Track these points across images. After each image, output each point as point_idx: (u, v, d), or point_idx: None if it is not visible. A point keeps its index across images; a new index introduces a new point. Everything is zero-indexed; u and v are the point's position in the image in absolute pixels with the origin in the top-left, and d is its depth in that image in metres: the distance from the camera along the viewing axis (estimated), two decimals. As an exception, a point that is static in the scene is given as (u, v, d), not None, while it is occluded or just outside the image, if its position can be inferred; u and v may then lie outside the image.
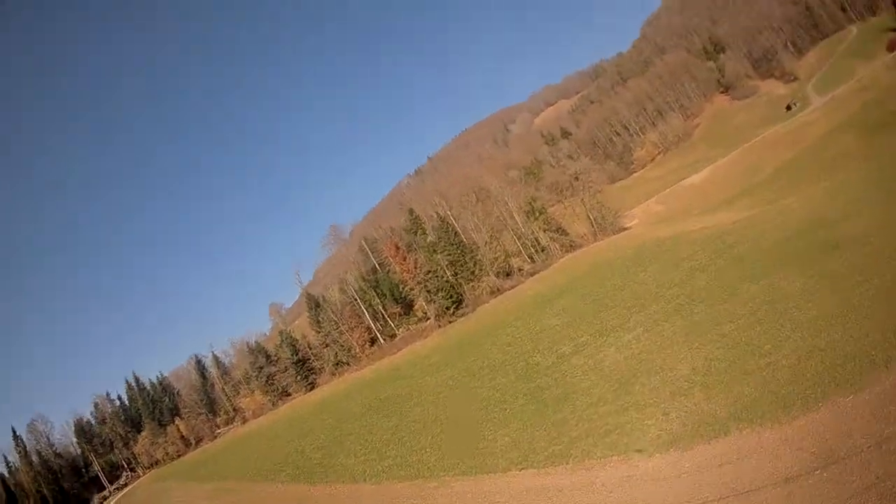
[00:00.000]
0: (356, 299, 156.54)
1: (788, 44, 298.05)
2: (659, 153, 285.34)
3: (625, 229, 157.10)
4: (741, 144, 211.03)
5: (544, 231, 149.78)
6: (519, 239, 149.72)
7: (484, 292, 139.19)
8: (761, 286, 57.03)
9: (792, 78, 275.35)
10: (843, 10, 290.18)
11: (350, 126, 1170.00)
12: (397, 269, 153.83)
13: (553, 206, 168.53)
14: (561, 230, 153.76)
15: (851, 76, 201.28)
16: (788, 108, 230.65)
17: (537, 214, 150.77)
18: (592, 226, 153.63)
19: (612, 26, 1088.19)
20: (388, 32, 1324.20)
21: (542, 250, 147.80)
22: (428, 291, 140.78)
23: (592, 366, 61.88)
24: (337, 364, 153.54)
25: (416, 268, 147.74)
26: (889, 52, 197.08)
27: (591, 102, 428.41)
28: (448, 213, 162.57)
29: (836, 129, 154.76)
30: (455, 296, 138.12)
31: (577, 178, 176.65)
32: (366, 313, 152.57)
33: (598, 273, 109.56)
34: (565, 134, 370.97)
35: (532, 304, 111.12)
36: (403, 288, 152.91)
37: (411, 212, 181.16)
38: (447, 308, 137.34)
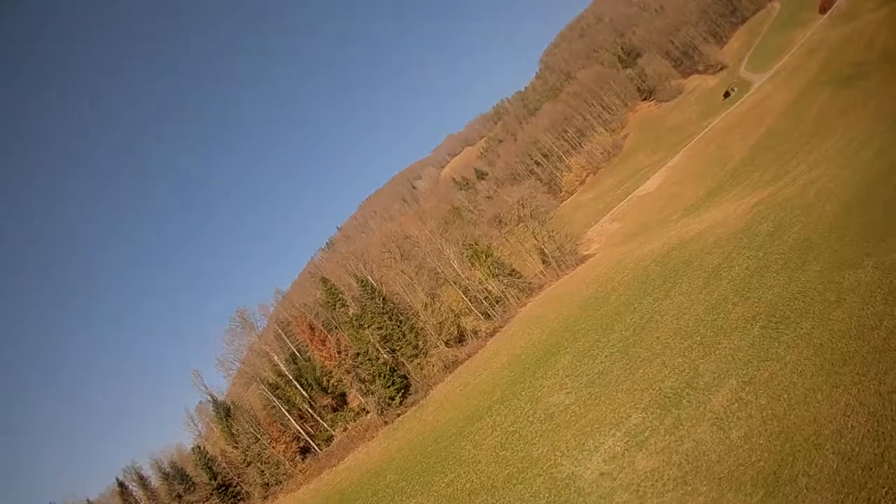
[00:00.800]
0: (274, 401, 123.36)
1: (708, 36, 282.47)
2: (588, 174, 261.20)
3: (587, 257, 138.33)
4: (685, 143, 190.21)
5: (494, 277, 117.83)
6: (465, 293, 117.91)
7: (435, 369, 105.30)
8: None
9: (719, 67, 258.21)
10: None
11: (253, 203, 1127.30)
12: (316, 355, 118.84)
13: (496, 245, 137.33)
14: (514, 273, 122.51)
15: (791, 45, 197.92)
16: (726, 94, 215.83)
17: (483, 258, 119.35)
18: (548, 260, 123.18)
19: (509, 65, 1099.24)
20: (281, 116, 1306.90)
21: (497, 302, 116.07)
22: (362, 381, 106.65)
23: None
24: (266, 485, 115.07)
25: (340, 351, 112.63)
26: (822, 14, 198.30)
27: (501, 141, 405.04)
28: (369, 276, 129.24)
29: (803, 93, 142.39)
30: (398, 381, 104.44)
31: (522, 206, 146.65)
32: (289, 417, 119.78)
33: (588, 317, 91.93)
34: (481, 175, 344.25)
35: (511, 374, 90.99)
36: (330, 379, 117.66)
37: (325, 281, 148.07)
38: (391, 398, 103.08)
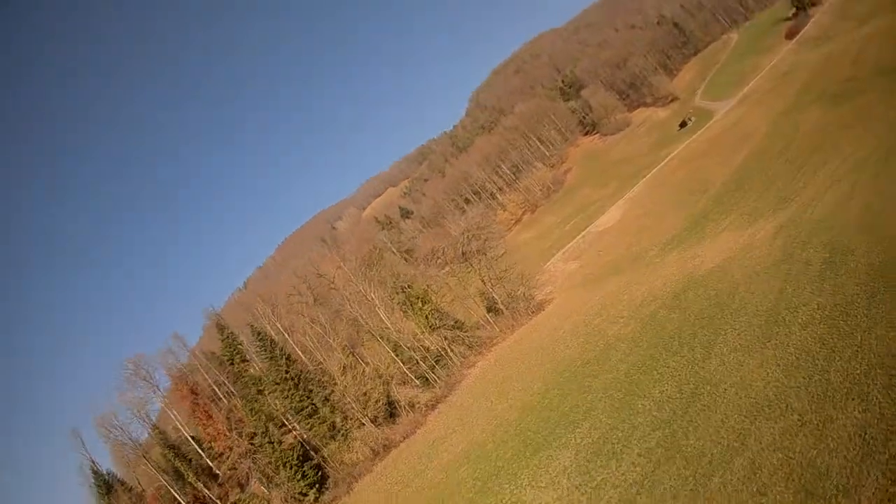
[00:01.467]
0: (162, 479, 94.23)
1: (657, 67, 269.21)
2: (525, 212, 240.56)
3: (544, 303, 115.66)
4: (642, 175, 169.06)
5: (433, 330, 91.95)
6: (397, 351, 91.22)
7: (360, 455, 77.56)
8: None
9: (670, 99, 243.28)
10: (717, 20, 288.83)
11: (171, 237, 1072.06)
12: (202, 431, 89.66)
13: (435, 289, 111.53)
14: (458, 324, 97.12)
15: (757, 70, 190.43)
16: (683, 124, 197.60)
17: (419, 305, 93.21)
18: (499, 308, 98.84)
19: (439, 106, 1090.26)
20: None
21: (438, 362, 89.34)
22: (263, 473, 77.99)
23: None
24: None
25: (233, 428, 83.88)
26: (789, 40, 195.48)
27: (426, 180, 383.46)
28: (277, 323, 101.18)
29: (785, 114, 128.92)
30: (310, 472, 76.02)
31: (469, 237, 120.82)
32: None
33: (580, 388, 72.00)
34: (406, 213, 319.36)
35: (474, 473, 68.93)
36: (221, 464, 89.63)
37: (221, 329, 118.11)
38: (302, 494, 74.79)
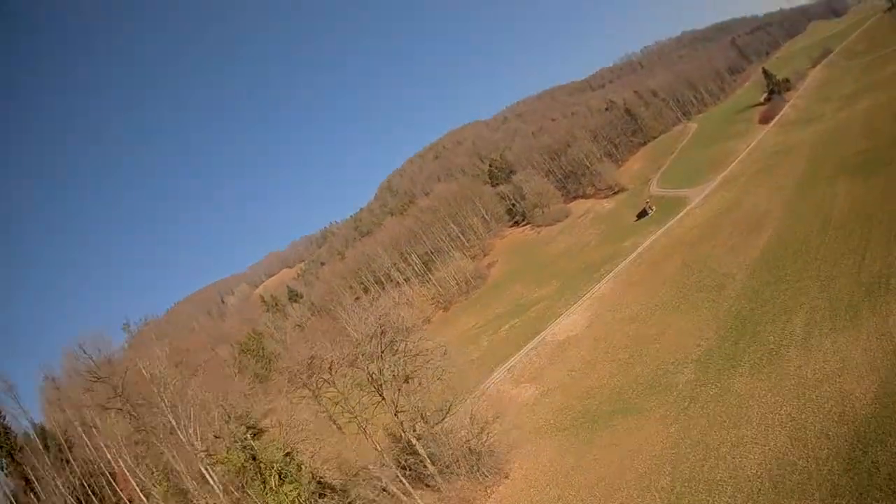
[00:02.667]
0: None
1: (602, 156, 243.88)
2: (438, 309, 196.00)
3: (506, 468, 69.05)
4: (602, 270, 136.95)
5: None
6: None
7: None
8: None
9: (616, 190, 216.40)
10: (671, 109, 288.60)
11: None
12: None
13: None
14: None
15: (733, 155, 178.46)
16: (643, 214, 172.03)
17: (274, 479, 44.09)
18: (431, 477, 56.44)
19: (348, 189, 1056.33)
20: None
21: None
22: None
23: None
24: None
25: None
26: (765, 124, 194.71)
27: (323, 264, 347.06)
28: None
29: (802, 190, 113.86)
30: None
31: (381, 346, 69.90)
32: None
33: None
34: (295, 296, 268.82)
35: None
36: None
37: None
38: None
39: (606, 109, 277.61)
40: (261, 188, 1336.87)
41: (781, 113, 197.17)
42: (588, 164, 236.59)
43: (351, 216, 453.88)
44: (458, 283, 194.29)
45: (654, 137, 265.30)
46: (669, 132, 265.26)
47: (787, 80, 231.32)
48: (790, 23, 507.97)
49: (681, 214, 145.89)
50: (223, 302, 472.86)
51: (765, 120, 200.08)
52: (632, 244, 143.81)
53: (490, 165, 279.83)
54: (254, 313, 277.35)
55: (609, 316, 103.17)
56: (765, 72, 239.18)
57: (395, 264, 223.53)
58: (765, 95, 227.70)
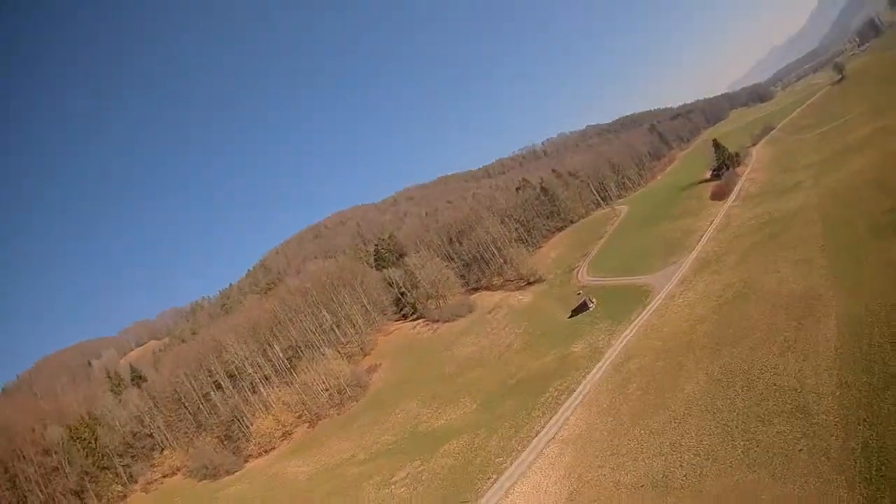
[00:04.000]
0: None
1: (513, 242, 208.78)
2: (301, 423, 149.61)
3: None
4: (538, 396, 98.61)
5: None
6: None
7: None
8: None
9: (531, 280, 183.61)
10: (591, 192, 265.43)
11: None
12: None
13: None
14: None
15: (691, 234, 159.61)
16: (582, 307, 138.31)
17: None
18: None
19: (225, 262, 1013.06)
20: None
21: None
22: None
23: None
24: None
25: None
26: (719, 200, 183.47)
27: (184, 341, 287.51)
28: None
29: (834, 255, 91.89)
30: None
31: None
32: None
33: None
34: (138, 379, 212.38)
35: None
36: None
37: None
38: None
39: (518, 189, 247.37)
40: (139, 252, 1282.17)
41: (739, 187, 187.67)
42: (496, 249, 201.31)
43: (221, 291, 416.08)
44: (328, 391, 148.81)
45: (573, 221, 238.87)
46: (591, 216, 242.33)
47: (738, 155, 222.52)
48: (712, 110, 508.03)
49: (652, 306, 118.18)
50: (90, 365, 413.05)
51: (719, 195, 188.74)
52: (589, 349, 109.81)
53: (377, 245, 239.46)
54: (99, 389, 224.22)
55: (604, 478, 64.34)
56: (716, 144, 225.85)
57: (251, 357, 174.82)
58: (711, 171, 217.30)
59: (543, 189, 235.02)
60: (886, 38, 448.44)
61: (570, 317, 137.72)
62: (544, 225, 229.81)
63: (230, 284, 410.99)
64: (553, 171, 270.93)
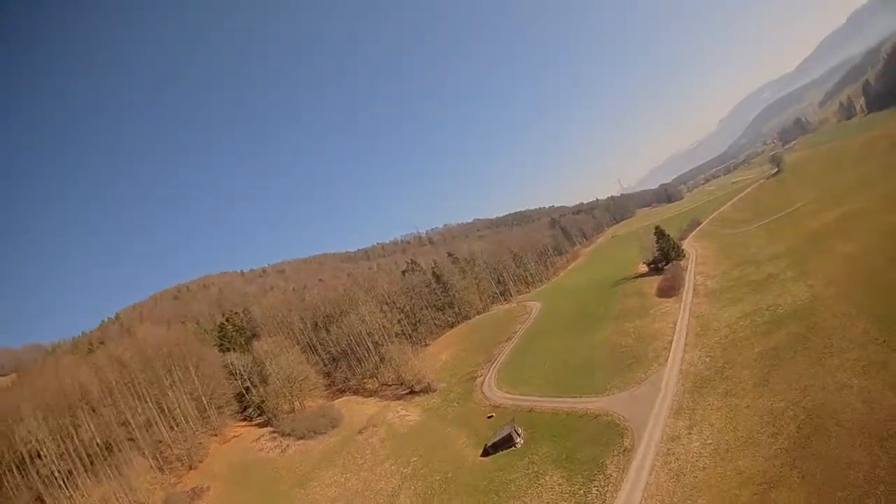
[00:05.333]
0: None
1: (393, 338, 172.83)
2: None
3: None
4: None
5: None
6: None
7: None
8: None
9: (417, 388, 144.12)
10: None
11: None
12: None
13: None
14: None
15: (649, 343, 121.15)
16: (505, 442, 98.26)
17: None
18: None
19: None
20: None
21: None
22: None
23: None
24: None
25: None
26: (667, 297, 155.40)
27: None
28: None
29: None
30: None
31: None
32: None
33: None
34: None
35: None
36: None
37: None
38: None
39: (405, 272, 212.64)
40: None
41: (692, 282, 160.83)
42: (372, 343, 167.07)
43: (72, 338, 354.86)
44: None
45: (469, 317, 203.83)
46: (492, 312, 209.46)
47: (680, 247, 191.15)
48: (617, 208, 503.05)
49: (641, 453, 76.20)
50: None
51: (668, 292, 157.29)
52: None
53: (226, 320, 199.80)
54: None
55: None
56: (658, 232, 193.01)
57: (53, 442, 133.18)
58: (648, 263, 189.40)
59: (435, 275, 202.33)
60: (818, 134, 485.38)
61: (484, 454, 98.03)
62: (434, 318, 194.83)
63: (82, 332, 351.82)
64: (449, 254, 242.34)
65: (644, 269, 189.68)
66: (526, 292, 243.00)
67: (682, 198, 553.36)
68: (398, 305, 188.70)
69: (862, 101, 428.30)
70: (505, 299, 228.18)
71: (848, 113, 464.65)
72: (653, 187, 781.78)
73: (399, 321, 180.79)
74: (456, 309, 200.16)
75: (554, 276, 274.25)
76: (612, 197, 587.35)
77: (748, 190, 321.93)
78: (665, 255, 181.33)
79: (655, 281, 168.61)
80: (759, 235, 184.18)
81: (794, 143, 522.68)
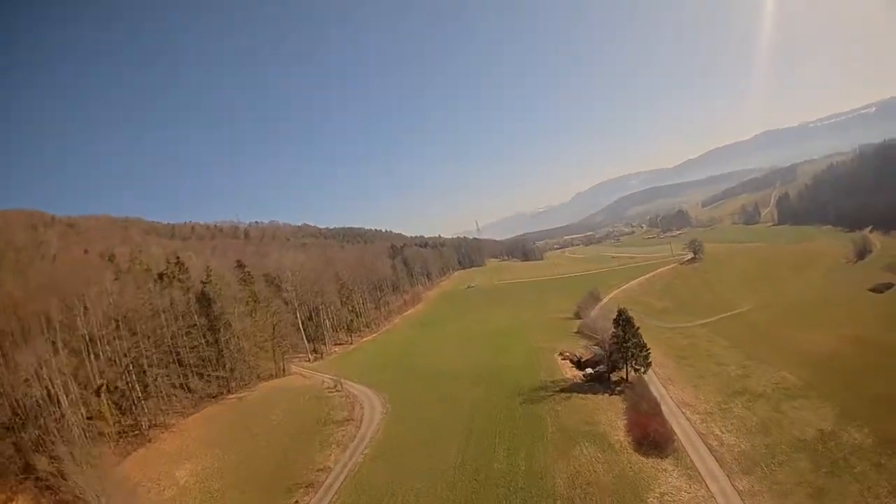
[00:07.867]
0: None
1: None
2: None
3: None
4: None
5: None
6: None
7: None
8: None
9: None
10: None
11: None
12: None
13: None
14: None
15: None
16: None
17: None
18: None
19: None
20: None
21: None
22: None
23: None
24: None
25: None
26: (657, 455, 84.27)
27: None
28: None
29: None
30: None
31: None
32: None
33: None
34: None
35: None
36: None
37: None
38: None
39: (163, 278, 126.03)
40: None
41: (695, 428, 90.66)
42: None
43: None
44: None
45: (245, 386, 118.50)
46: (286, 384, 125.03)
47: (647, 352, 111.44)
48: (466, 251, 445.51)
49: None
50: None
51: (651, 444, 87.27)
52: None
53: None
54: None
55: None
56: (624, 318, 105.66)
57: None
58: (573, 360, 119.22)
59: (205, 297, 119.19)
60: (715, 231, 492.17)
61: None
62: (183, 382, 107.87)
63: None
64: (239, 263, 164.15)
65: (569, 369, 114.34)
66: (346, 344, 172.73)
67: (541, 258, 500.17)
68: (118, 350, 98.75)
69: (773, 211, 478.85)
70: (313, 356, 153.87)
71: (751, 218, 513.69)
72: (499, 238, 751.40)
73: (103, 387, 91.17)
74: (228, 367, 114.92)
75: (386, 323, 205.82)
76: (463, 237, 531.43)
77: (658, 271, 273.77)
78: (614, 361, 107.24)
79: (612, 410, 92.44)
80: (716, 342, 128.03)
81: (678, 232, 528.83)
